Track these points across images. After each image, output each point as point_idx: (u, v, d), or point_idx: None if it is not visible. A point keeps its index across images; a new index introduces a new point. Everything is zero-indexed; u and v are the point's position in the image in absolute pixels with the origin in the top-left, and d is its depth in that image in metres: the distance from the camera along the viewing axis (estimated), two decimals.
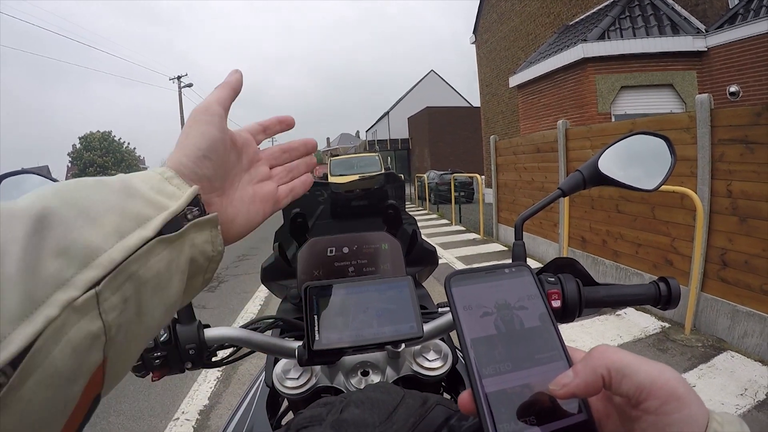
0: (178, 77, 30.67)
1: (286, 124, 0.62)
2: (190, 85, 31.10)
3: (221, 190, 0.49)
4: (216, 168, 0.47)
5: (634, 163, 0.85)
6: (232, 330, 0.84)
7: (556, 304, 0.76)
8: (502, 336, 0.39)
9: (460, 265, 7.65)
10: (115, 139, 40.92)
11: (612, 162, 0.84)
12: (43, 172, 0.80)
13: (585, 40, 9.39)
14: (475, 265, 0.44)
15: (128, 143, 42.26)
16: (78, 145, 39.58)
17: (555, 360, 0.38)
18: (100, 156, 38.86)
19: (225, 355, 0.92)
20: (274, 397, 1.03)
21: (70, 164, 41.76)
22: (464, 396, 0.39)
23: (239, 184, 0.53)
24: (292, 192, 0.60)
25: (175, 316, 0.82)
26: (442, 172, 19.75)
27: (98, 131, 40.21)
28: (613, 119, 9.26)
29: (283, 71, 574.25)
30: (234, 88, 0.54)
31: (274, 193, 0.57)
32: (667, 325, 4.49)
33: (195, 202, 0.42)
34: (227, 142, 0.50)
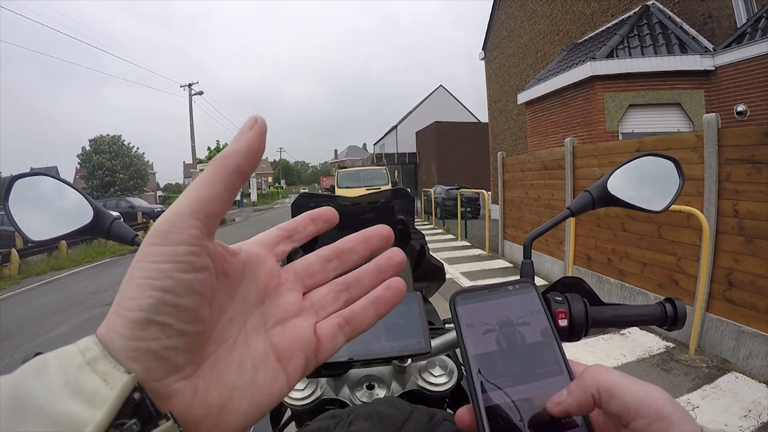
0: (189, 85, 30.84)
1: (327, 221, 0.41)
2: (200, 93, 31.28)
3: (193, 364, 0.29)
4: (174, 335, 0.27)
5: (643, 184, 0.85)
6: None
7: (563, 323, 0.77)
8: (503, 352, 0.40)
9: (465, 281, 7.63)
10: (125, 143, 41.17)
11: (621, 183, 0.84)
12: (52, 173, 0.81)
13: (594, 58, 9.42)
14: (479, 282, 0.45)
15: (137, 148, 42.52)
16: (87, 148, 39.86)
17: (556, 374, 0.39)
18: (108, 159, 39.07)
19: None
20: (277, 408, 1.03)
21: (78, 166, 42.05)
22: (462, 411, 0.40)
23: (239, 336, 0.33)
24: (350, 327, 0.36)
25: None
26: (449, 187, 19.73)
27: (108, 134, 40.54)
28: (620, 137, 9.25)
29: (294, 80, 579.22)
30: (240, 166, 0.32)
31: (310, 338, 0.35)
32: (671, 345, 4.46)
33: (131, 404, 0.25)
34: (204, 282, 0.29)
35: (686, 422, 0.32)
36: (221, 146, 45.93)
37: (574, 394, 0.36)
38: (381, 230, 0.40)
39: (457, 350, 0.92)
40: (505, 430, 0.36)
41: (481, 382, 0.39)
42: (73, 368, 0.25)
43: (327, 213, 0.41)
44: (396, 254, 0.40)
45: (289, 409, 0.99)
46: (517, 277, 0.49)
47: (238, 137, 0.33)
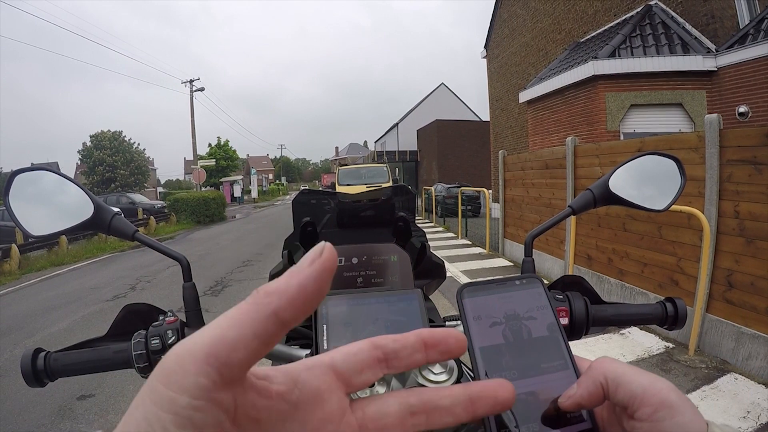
0: (190, 81, 30.74)
1: (446, 353, 0.30)
2: (202, 89, 31.18)
3: None
4: None
5: (644, 183, 0.85)
6: None
7: (564, 321, 0.77)
8: (510, 345, 0.40)
9: (465, 279, 7.64)
10: (126, 139, 41.18)
11: (622, 181, 0.84)
12: (53, 169, 0.81)
13: (596, 58, 9.40)
14: (482, 279, 0.45)
15: (138, 144, 42.50)
16: (88, 143, 39.86)
17: (561, 369, 0.39)
18: (109, 155, 39.09)
19: None
20: None
21: (79, 162, 42.10)
22: None
23: None
24: None
25: (184, 320, 0.83)
26: (450, 186, 19.74)
27: (109, 130, 40.54)
28: (621, 137, 9.25)
29: (296, 78, 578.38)
30: (279, 311, 0.25)
31: None
32: (671, 345, 4.46)
33: None
34: None
35: (690, 412, 0.32)
36: (222, 142, 46.01)
37: (584, 385, 0.36)
38: (497, 388, 0.31)
39: None
40: (511, 423, 0.36)
41: (487, 375, 0.39)
42: None
43: (451, 343, 0.31)
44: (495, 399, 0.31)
45: None
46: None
47: (292, 271, 0.26)
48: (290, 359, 0.84)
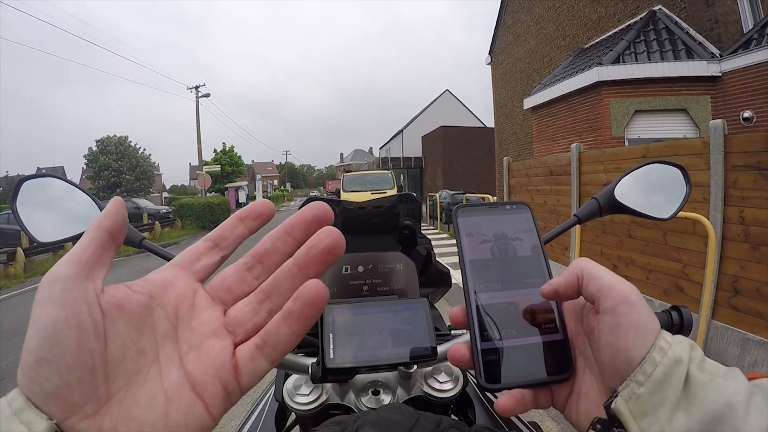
0: (196, 87, 30.83)
1: (258, 217, 0.36)
2: (207, 95, 31.28)
3: (93, 402, 0.29)
4: (65, 371, 0.28)
5: (650, 191, 0.85)
6: None
7: None
8: (497, 260, 0.46)
9: None
10: (131, 144, 41.35)
11: (628, 190, 0.84)
12: (59, 174, 0.81)
13: (600, 64, 9.40)
14: None
15: (144, 149, 42.67)
16: (94, 148, 40.05)
17: (541, 285, 0.44)
18: (115, 160, 39.27)
19: None
20: (281, 412, 1.03)
21: (85, 166, 42.33)
22: (456, 310, 0.45)
23: (152, 368, 0.31)
24: (269, 348, 0.33)
25: None
26: (455, 192, 19.70)
27: (115, 135, 40.72)
28: (626, 143, 9.23)
29: (303, 84, 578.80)
30: (109, 229, 0.32)
31: (224, 361, 0.32)
32: None
33: None
34: (91, 319, 0.29)
35: (647, 312, 0.37)
36: (227, 148, 46.16)
37: (563, 276, 0.42)
38: (306, 211, 0.35)
39: None
40: (492, 326, 0.42)
41: (474, 284, 0.44)
42: (3, 420, 0.27)
43: (258, 208, 0.36)
44: (321, 239, 0.34)
45: (293, 414, 0.99)
46: None
47: (104, 212, 0.34)
48: (297, 368, 0.85)
